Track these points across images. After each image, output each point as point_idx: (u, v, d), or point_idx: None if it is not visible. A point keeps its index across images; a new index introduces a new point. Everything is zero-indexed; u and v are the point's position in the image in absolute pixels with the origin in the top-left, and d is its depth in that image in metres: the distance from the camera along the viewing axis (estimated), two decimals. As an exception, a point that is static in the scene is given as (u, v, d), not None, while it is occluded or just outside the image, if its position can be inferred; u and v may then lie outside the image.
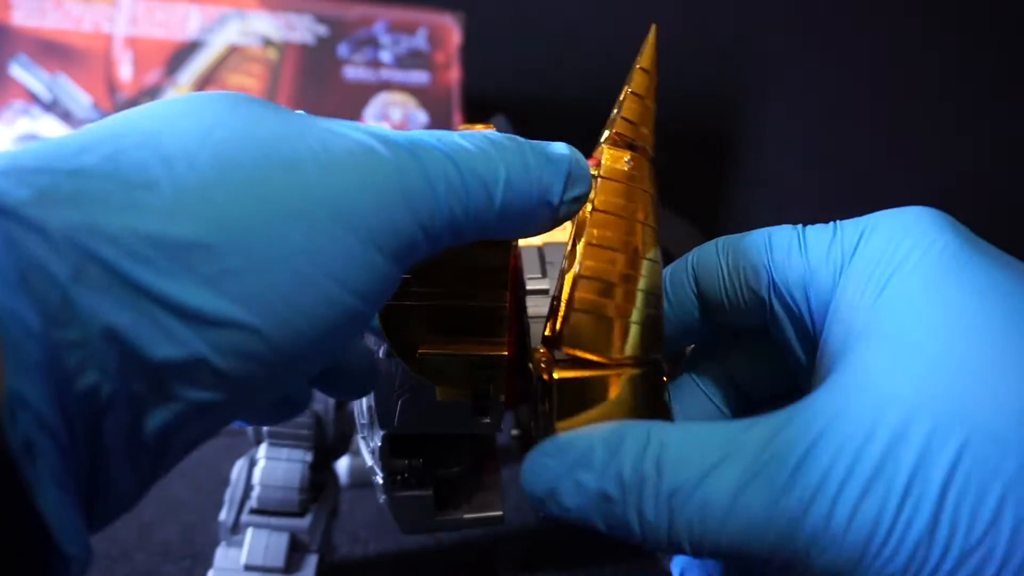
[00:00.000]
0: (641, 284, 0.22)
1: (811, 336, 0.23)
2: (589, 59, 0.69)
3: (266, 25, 0.64)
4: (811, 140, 0.84)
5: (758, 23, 0.82)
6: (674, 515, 0.18)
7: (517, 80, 0.77)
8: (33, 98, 0.59)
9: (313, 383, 0.24)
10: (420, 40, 0.67)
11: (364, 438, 0.28)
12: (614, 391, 0.21)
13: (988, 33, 0.81)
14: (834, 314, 0.21)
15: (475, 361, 0.23)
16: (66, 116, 0.60)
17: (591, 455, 0.19)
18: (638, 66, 0.23)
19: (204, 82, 0.63)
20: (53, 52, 0.60)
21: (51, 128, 0.59)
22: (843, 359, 0.19)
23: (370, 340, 0.26)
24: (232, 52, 0.63)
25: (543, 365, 0.21)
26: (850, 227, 0.22)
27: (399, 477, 0.27)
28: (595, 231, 0.22)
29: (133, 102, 0.61)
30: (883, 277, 0.20)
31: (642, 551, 0.44)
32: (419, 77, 0.67)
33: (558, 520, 0.20)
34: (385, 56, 0.66)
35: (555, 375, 0.21)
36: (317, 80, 0.65)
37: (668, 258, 0.26)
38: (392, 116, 0.66)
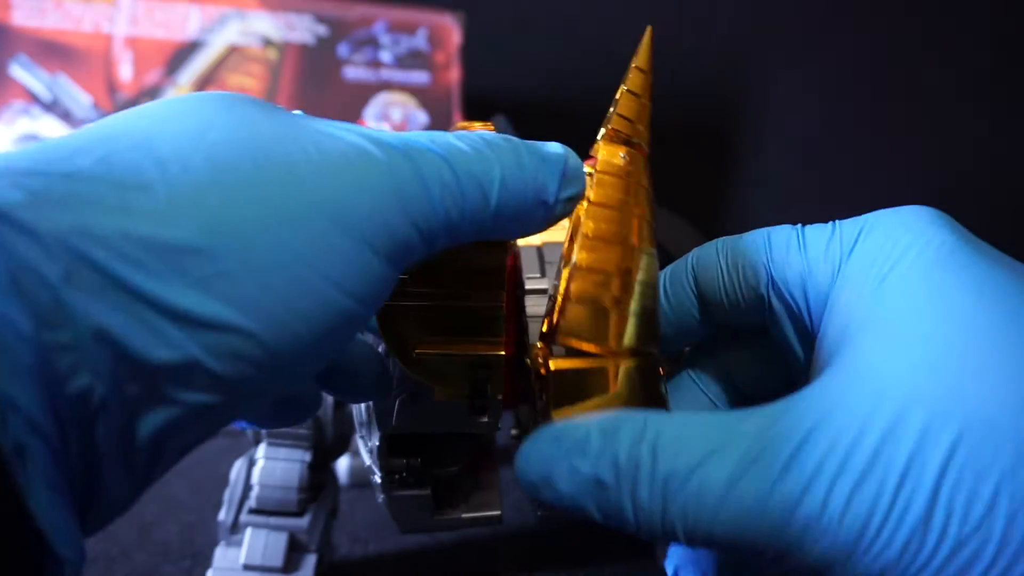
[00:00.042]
0: (637, 276, 0.22)
1: (809, 333, 0.23)
2: (589, 59, 0.69)
3: (266, 25, 0.64)
4: (811, 140, 0.84)
5: (758, 23, 0.82)
6: (668, 502, 0.18)
7: (517, 80, 0.77)
8: (33, 98, 0.59)
9: (324, 387, 0.24)
10: (420, 40, 0.67)
11: (362, 437, 0.28)
12: (611, 381, 0.21)
13: (988, 33, 0.81)
14: (831, 309, 0.21)
15: (472, 361, 0.23)
16: (66, 116, 0.60)
17: (587, 441, 0.19)
18: (634, 65, 0.24)
19: (204, 82, 0.63)
20: (53, 52, 0.60)
21: (51, 128, 0.59)
22: (840, 352, 0.20)
23: (368, 340, 0.26)
24: (232, 52, 0.63)
25: (540, 360, 0.21)
26: (849, 226, 0.23)
27: (397, 476, 0.27)
28: (591, 224, 0.22)
29: (133, 102, 0.61)
30: (881, 272, 0.20)
31: (642, 551, 0.44)
32: (419, 77, 0.67)
33: (554, 513, 0.19)
34: (385, 56, 0.66)
35: (551, 365, 0.21)
36: (317, 80, 0.65)
37: (668, 258, 0.26)
38: (392, 116, 0.66)
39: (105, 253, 0.15)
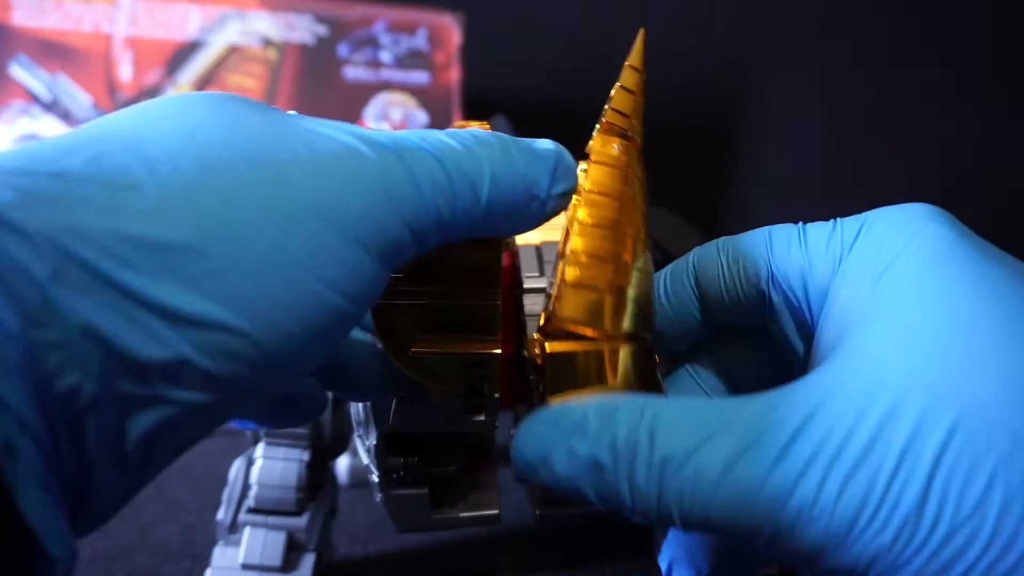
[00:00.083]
0: (633, 263, 0.22)
1: (809, 328, 0.23)
2: (589, 59, 0.69)
3: (266, 25, 0.64)
4: (811, 140, 0.84)
5: (758, 23, 0.82)
6: (665, 485, 0.18)
7: (517, 80, 0.77)
8: (33, 98, 0.59)
9: (326, 385, 0.24)
10: (420, 40, 0.67)
11: (360, 436, 0.28)
12: (607, 364, 0.21)
13: (988, 33, 0.81)
14: (831, 302, 0.21)
15: (468, 359, 0.23)
16: (66, 116, 0.60)
17: (584, 423, 0.19)
18: (628, 64, 0.24)
19: (204, 82, 0.63)
20: (53, 52, 0.60)
21: (51, 128, 0.59)
22: (838, 343, 0.20)
23: (368, 340, 0.26)
24: (232, 52, 0.64)
25: (536, 350, 0.21)
26: (850, 222, 0.23)
27: (395, 475, 0.27)
28: (586, 211, 0.22)
29: (133, 102, 0.61)
30: (880, 266, 0.20)
31: (642, 551, 0.44)
32: (419, 77, 0.67)
33: (552, 505, 0.19)
34: (385, 56, 0.66)
35: (547, 348, 0.21)
36: (317, 80, 0.65)
37: (668, 258, 0.26)
38: (392, 116, 0.66)
39: (94, 252, 0.15)
